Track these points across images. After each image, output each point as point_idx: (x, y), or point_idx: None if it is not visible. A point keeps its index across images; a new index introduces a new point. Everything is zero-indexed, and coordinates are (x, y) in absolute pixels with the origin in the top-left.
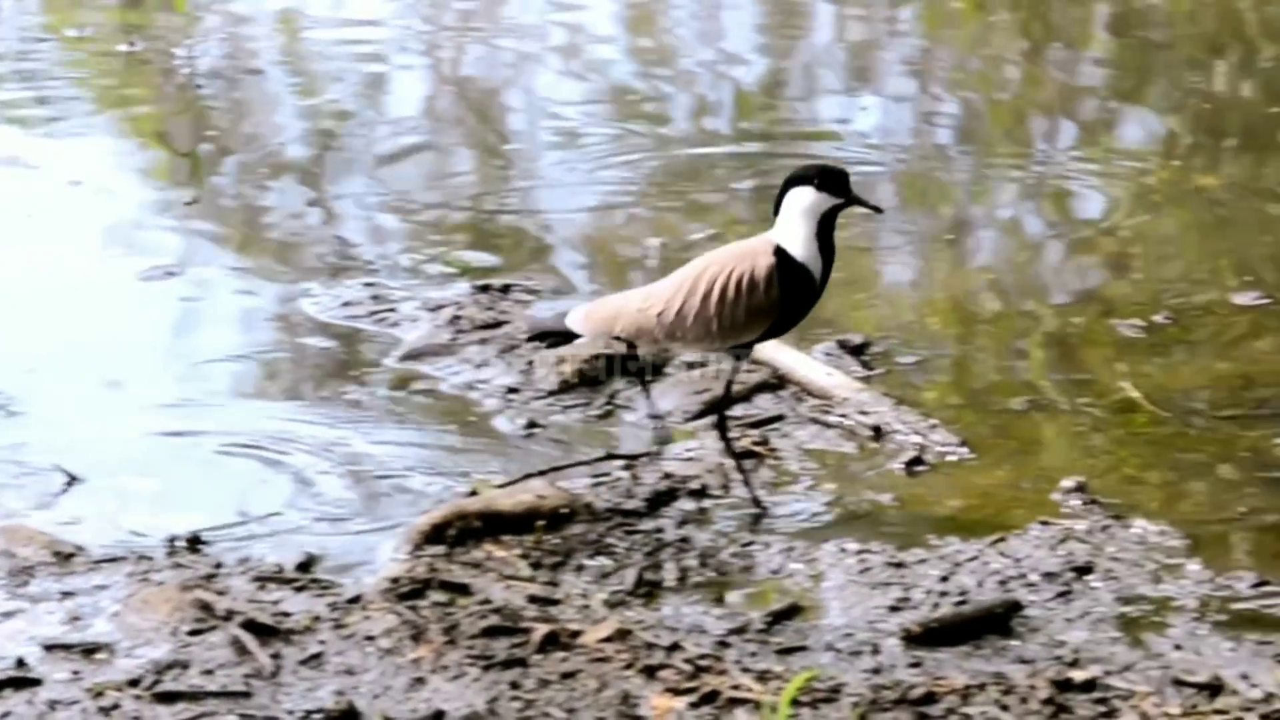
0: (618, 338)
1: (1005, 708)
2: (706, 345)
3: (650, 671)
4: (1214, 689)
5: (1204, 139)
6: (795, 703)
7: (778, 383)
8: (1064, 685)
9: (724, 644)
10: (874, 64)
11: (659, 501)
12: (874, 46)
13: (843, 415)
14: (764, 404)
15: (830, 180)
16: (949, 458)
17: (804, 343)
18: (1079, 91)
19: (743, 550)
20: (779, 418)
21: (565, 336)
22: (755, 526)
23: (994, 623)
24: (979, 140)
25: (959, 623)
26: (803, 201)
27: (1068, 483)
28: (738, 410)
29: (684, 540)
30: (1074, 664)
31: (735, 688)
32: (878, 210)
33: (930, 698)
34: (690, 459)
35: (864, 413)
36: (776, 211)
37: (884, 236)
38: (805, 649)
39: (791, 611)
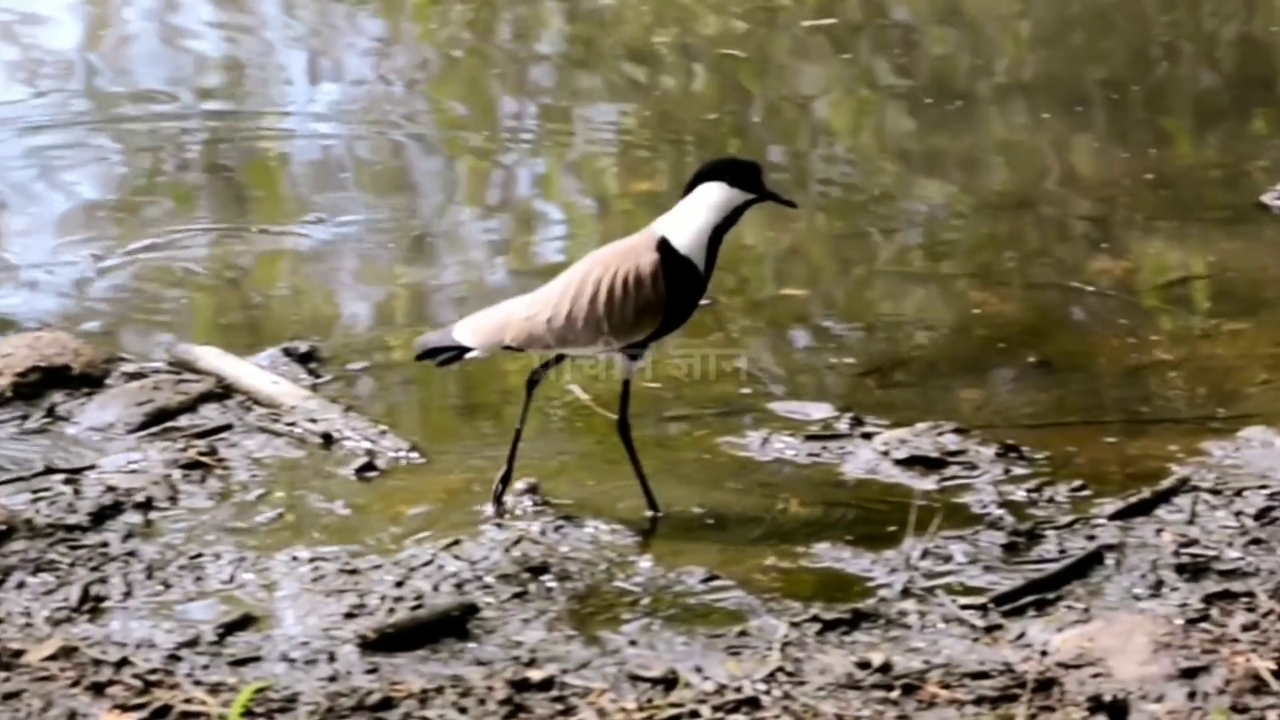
0: (509, 346)
1: (463, 710)
2: (599, 347)
3: (98, 688)
4: (669, 683)
5: (662, 134)
6: (250, 714)
7: (224, 392)
8: (521, 685)
9: (175, 657)
10: (331, 49)
11: (103, 515)
12: (331, 32)
13: (291, 423)
14: (211, 414)
15: (743, 175)
16: (401, 462)
17: (249, 350)
18: (532, 83)
19: (192, 562)
20: (227, 427)
21: (457, 352)
22: (205, 537)
23: (450, 626)
24: (437, 131)
25: (415, 627)
26: (714, 196)
27: (520, 484)
28: (182, 421)
29: (130, 554)
30: (531, 664)
31: (187, 701)
32: (792, 205)
33: (388, 703)
34: (134, 471)
35: (313, 420)
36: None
37: (330, 236)
38: (259, 659)
39: (244, 622)
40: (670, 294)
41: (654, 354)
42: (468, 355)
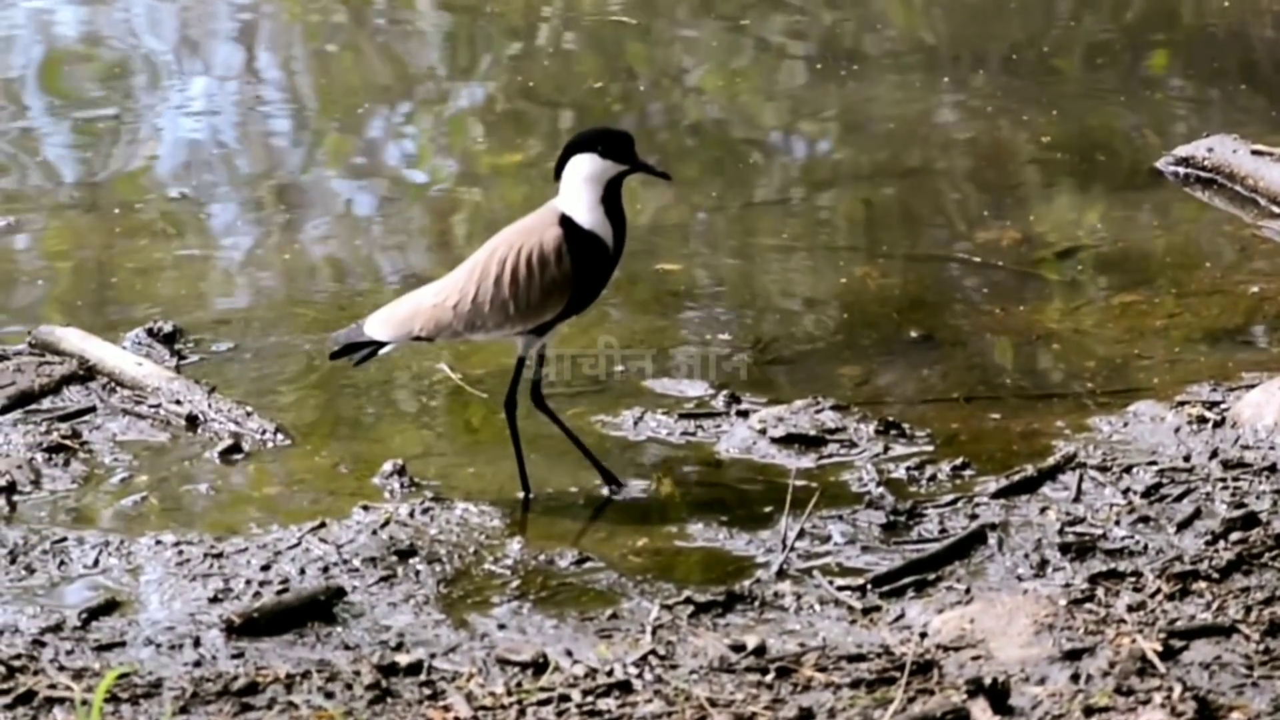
0: (419, 337)
1: (330, 695)
2: (508, 330)
3: None
4: (539, 667)
5: (527, 108)
6: (115, 699)
7: (87, 374)
8: (389, 670)
9: (39, 643)
10: (201, 35)
11: None
12: (202, 19)
13: (156, 405)
14: (74, 396)
15: (614, 146)
16: (267, 444)
17: (113, 332)
18: (411, 66)
19: (55, 546)
20: (90, 410)
21: (371, 346)
22: (69, 522)
23: (317, 610)
24: (306, 113)
25: (281, 611)
26: (585, 169)
27: (388, 466)
28: (45, 404)
29: None
30: (399, 648)
31: (52, 687)
32: (665, 176)
33: (253, 688)
34: None
35: (178, 402)
36: (558, 177)
37: (204, 216)
38: (124, 645)
39: (109, 607)
40: (576, 270)
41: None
42: (382, 350)
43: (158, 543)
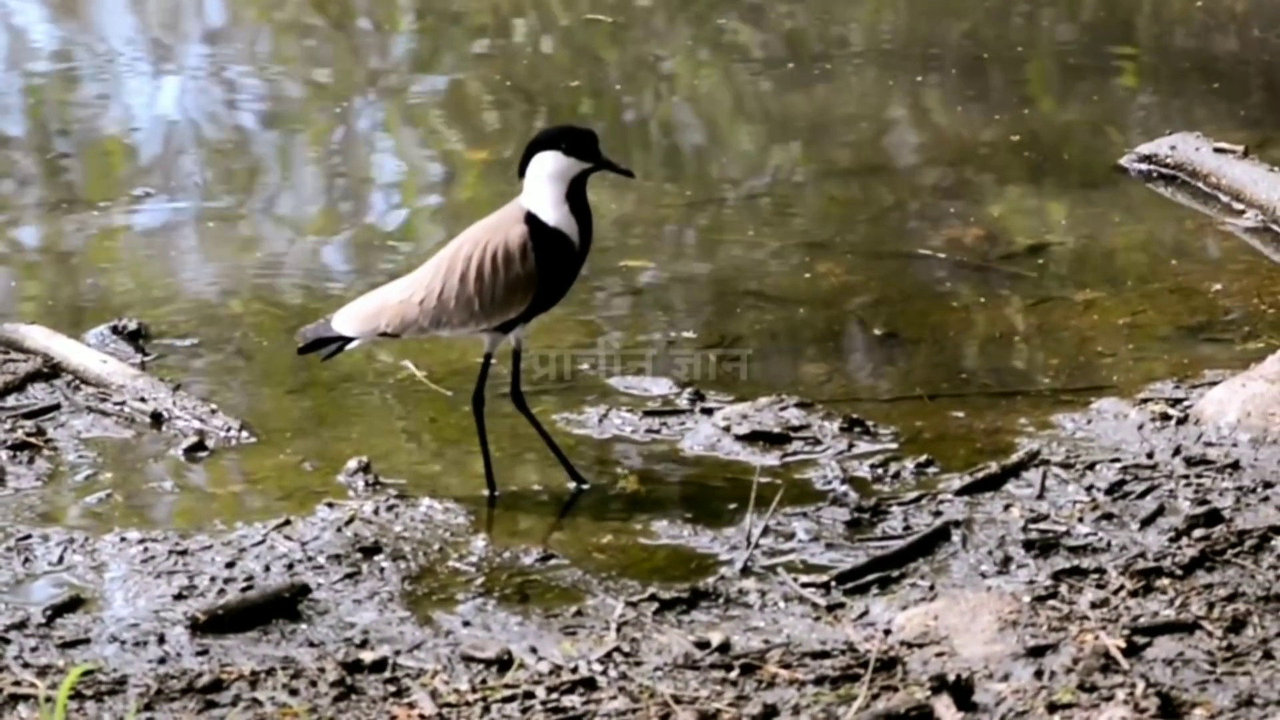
0: (385, 333)
1: (294, 692)
2: (473, 327)
3: None
4: (503, 664)
5: (516, 105)
6: (79, 696)
7: (51, 371)
8: (354, 667)
9: (3, 640)
10: (175, 39)
11: None
12: (174, 21)
13: (120, 403)
14: (38, 393)
15: (578, 143)
16: (231, 442)
17: (77, 329)
18: (380, 53)
19: (20, 544)
20: (55, 407)
21: (338, 342)
22: (33, 519)
23: (281, 607)
24: (275, 109)
25: (245, 608)
26: (549, 166)
27: (352, 463)
28: (9, 401)
29: None
30: (364, 645)
31: (16, 684)
32: (629, 174)
33: (218, 685)
34: None
35: (142, 399)
36: (521, 175)
37: (169, 212)
38: (88, 641)
39: (73, 604)
40: (541, 268)
41: (526, 332)
42: (349, 345)
43: (122, 540)
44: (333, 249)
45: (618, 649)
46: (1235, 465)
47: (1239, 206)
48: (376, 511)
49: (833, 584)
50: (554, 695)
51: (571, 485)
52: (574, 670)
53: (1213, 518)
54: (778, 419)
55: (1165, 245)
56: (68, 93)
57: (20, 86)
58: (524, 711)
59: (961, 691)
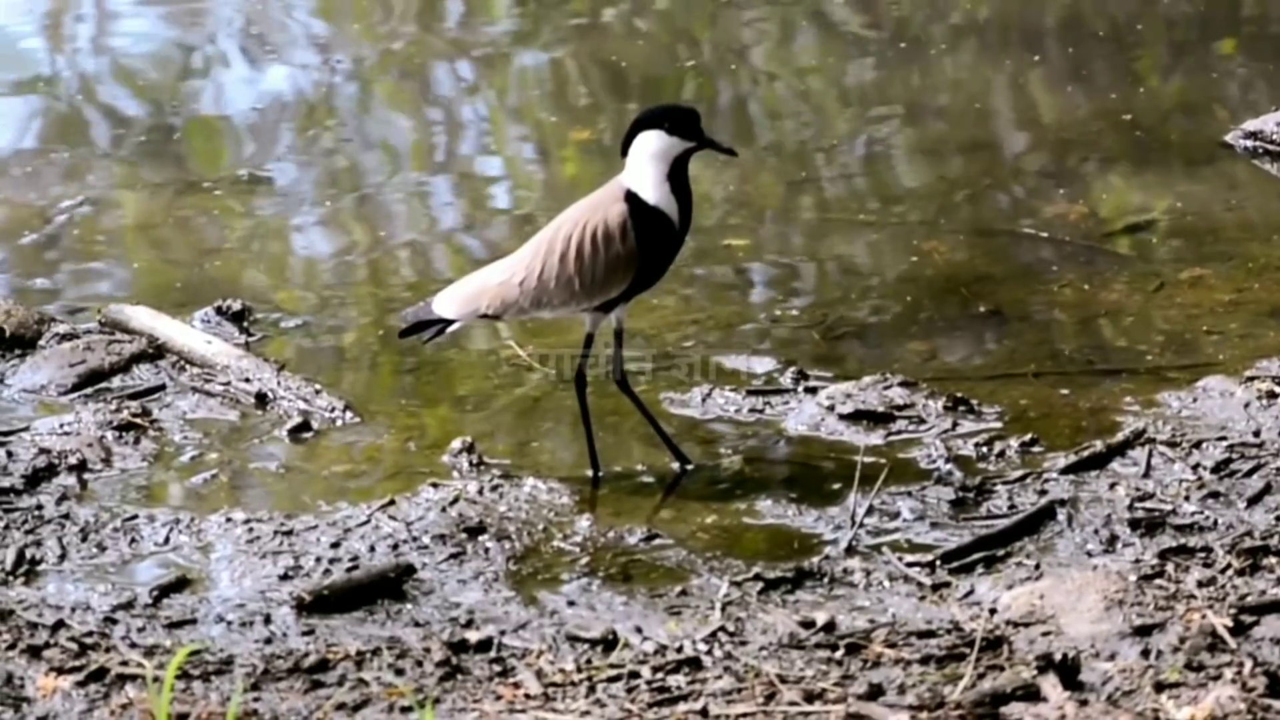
0: (486, 314)
1: (400, 672)
2: (574, 307)
3: (35, 652)
4: (608, 643)
5: (605, 94)
6: (187, 676)
7: (156, 352)
8: (459, 646)
9: (111, 620)
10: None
11: (37, 478)
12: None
13: (225, 383)
14: (143, 375)
15: (681, 123)
16: (336, 422)
17: (182, 310)
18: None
19: (127, 524)
20: (160, 388)
21: (440, 324)
22: (139, 500)
23: (387, 587)
24: (373, 90)
25: (351, 588)
26: (652, 145)
27: (456, 444)
28: (115, 382)
29: (65, 516)
30: (469, 625)
31: (124, 664)
32: (732, 153)
33: (324, 665)
34: (68, 433)
35: (247, 380)
36: (624, 154)
37: (274, 195)
38: (195, 622)
39: (180, 584)
40: (641, 247)
41: (627, 311)
42: (450, 328)
43: (228, 520)
44: (436, 230)
45: (722, 628)
46: None
47: None
48: (481, 491)
49: (938, 563)
50: (659, 675)
51: (675, 465)
52: (679, 650)
53: None
54: (881, 398)
55: (1271, 222)
56: (179, 77)
57: (132, 68)
58: (629, 691)
59: (1068, 670)
